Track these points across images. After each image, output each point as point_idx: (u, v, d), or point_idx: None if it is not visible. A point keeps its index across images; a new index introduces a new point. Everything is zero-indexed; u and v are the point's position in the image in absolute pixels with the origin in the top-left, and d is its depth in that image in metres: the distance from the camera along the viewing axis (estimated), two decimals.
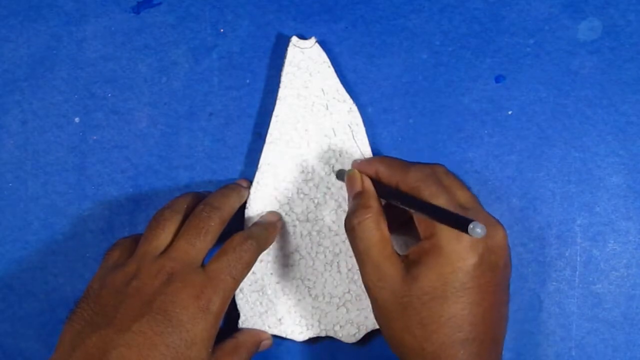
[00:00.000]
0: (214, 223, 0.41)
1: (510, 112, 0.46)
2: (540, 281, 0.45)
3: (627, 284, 0.45)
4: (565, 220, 0.45)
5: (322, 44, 0.45)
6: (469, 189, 0.41)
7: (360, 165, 0.43)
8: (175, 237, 0.41)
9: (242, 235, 0.41)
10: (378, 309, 0.39)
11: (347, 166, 0.45)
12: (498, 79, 0.46)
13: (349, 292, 0.45)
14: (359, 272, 0.44)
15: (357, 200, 0.40)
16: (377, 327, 0.44)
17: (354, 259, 0.44)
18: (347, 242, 0.44)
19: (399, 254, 0.39)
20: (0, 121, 0.47)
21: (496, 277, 0.38)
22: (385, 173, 0.41)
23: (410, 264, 0.38)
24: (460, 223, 0.33)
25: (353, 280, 0.45)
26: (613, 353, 0.45)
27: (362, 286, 0.45)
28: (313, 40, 0.45)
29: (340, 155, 0.45)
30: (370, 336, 0.45)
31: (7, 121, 0.47)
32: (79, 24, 0.47)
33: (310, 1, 0.47)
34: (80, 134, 0.47)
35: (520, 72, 0.46)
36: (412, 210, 0.38)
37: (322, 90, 0.45)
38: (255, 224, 0.44)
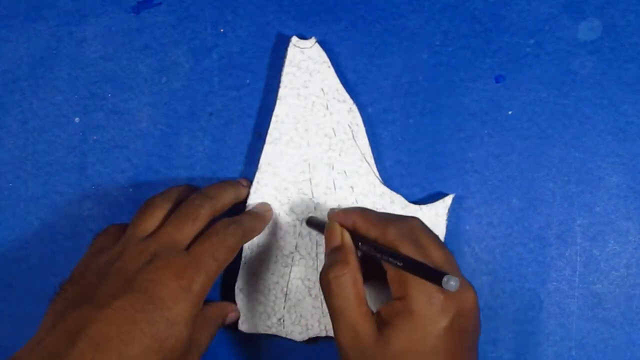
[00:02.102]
0: (204, 211, 0.41)
1: (510, 112, 0.46)
2: (540, 281, 0.45)
3: (627, 284, 0.45)
4: (565, 220, 0.45)
5: (322, 44, 0.45)
6: (445, 246, 0.40)
7: (338, 216, 0.42)
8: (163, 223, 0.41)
9: (226, 220, 0.41)
10: None
11: (348, 165, 0.45)
12: (498, 79, 0.46)
13: None
14: None
15: (334, 255, 0.40)
16: None
17: None
18: None
19: (372, 312, 0.39)
20: (0, 121, 0.47)
21: (466, 340, 0.38)
22: (363, 227, 0.41)
23: (382, 323, 0.38)
24: (435, 276, 0.33)
25: None
26: (613, 353, 0.45)
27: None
28: (313, 40, 0.45)
29: (340, 155, 0.45)
30: None
31: (7, 121, 0.47)
32: (79, 24, 0.47)
33: (310, 1, 0.47)
34: (80, 134, 0.47)
35: (520, 72, 0.46)
36: (387, 263, 0.38)
37: (322, 90, 0.45)
38: (244, 212, 0.44)
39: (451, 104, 0.46)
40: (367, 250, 0.39)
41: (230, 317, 0.45)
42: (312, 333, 0.45)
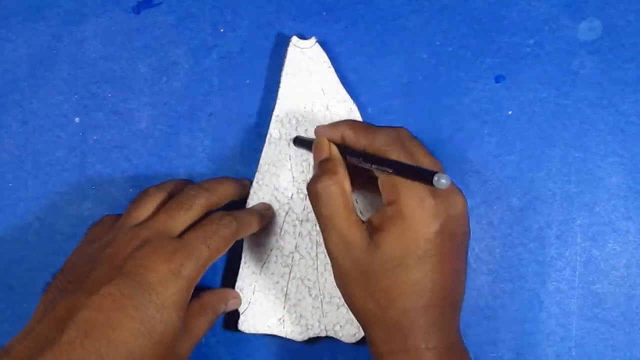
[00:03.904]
0: (198, 201, 0.41)
1: (510, 112, 0.46)
2: (540, 281, 0.45)
3: (627, 284, 0.45)
4: (565, 220, 0.45)
5: (322, 44, 0.45)
6: (432, 154, 0.40)
7: (325, 129, 0.42)
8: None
9: (222, 212, 0.42)
10: (341, 276, 0.40)
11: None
12: (498, 79, 0.46)
13: None
14: None
15: (323, 166, 0.40)
16: None
17: None
18: None
19: (362, 220, 0.39)
20: (0, 121, 0.47)
21: (456, 245, 0.38)
22: (351, 137, 0.40)
23: (373, 230, 0.38)
24: (425, 176, 0.33)
25: None
26: (613, 353, 0.45)
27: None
28: (313, 40, 0.45)
29: None
30: None
31: (7, 121, 0.47)
32: (79, 24, 0.47)
33: (310, 1, 0.47)
34: (80, 134, 0.47)
35: (520, 72, 0.46)
36: (378, 170, 0.38)
37: (322, 90, 0.45)
38: (242, 209, 0.45)
39: (451, 104, 0.46)
40: (357, 161, 0.39)
41: (232, 304, 0.45)
42: (312, 333, 0.45)
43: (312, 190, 0.40)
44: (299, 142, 0.44)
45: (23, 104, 0.47)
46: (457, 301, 0.39)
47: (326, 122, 0.45)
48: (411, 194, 0.37)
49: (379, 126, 0.41)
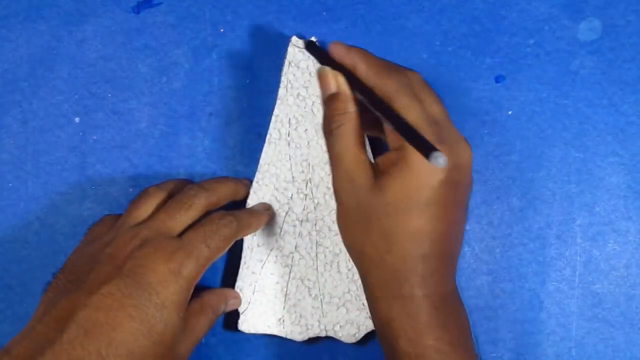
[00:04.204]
0: (198, 201, 0.41)
1: (510, 112, 0.46)
2: (540, 281, 0.45)
3: (627, 284, 0.45)
4: (565, 220, 0.45)
5: (322, 44, 0.45)
6: (441, 102, 0.40)
7: (339, 49, 0.40)
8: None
9: (223, 212, 0.42)
10: (343, 215, 0.40)
11: None
12: (498, 79, 0.46)
13: (349, 292, 0.45)
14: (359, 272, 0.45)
15: (333, 104, 0.40)
16: None
17: None
18: None
19: (370, 161, 0.39)
20: (0, 121, 0.47)
21: (459, 194, 0.38)
22: (363, 71, 0.39)
23: (379, 173, 0.38)
24: (425, 147, 0.33)
25: (353, 280, 0.45)
26: (613, 353, 0.45)
27: (363, 286, 0.45)
28: (313, 40, 0.45)
29: None
30: (370, 336, 0.45)
31: (7, 121, 0.47)
32: (79, 24, 0.47)
33: (310, 1, 0.47)
34: (80, 134, 0.47)
35: (520, 72, 0.46)
36: (382, 119, 0.38)
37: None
38: (242, 209, 0.45)
39: (451, 104, 0.46)
40: (362, 100, 0.39)
41: (232, 303, 0.45)
42: (312, 333, 0.45)
43: (326, 130, 0.40)
44: (312, 49, 0.43)
45: (23, 104, 0.47)
46: (455, 251, 0.40)
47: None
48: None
49: (392, 65, 0.40)
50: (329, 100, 0.41)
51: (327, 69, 0.41)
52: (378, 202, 0.37)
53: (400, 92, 0.38)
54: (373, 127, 0.42)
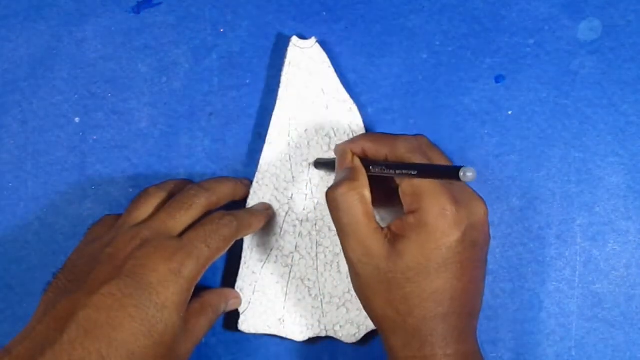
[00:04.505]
0: (198, 201, 0.41)
1: (510, 112, 0.46)
2: (540, 281, 0.45)
3: (627, 284, 0.45)
4: (565, 220, 0.45)
5: (322, 44, 0.45)
6: (451, 161, 0.41)
7: (345, 145, 0.42)
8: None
9: (223, 212, 0.42)
10: (361, 284, 0.40)
11: None
12: (498, 79, 0.46)
13: (349, 292, 0.45)
14: None
15: (344, 174, 0.40)
16: None
17: None
18: None
19: (382, 228, 0.39)
20: (0, 121, 0.47)
21: (477, 253, 0.38)
22: (372, 148, 0.41)
23: (393, 238, 0.38)
24: (452, 172, 0.33)
25: None
26: (613, 353, 0.45)
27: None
28: (313, 40, 0.45)
29: None
30: (370, 336, 0.45)
31: (7, 121, 0.47)
32: (79, 24, 0.47)
33: (310, 1, 0.47)
34: (80, 134, 0.47)
35: (520, 72, 0.46)
36: (401, 176, 0.38)
37: (322, 90, 0.45)
38: (243, 208, 0.45)
39: (451, 104, 0.46)
40: (379, 171, 0.39)
41: (232, 303, 0.45)
42: (312, 333, 0.45)
43: (332, 197, 0.39)
44: (320, 164, 0.45)
45: (23, 104, 0.47)
46: (475, 309, 0.40)
47: (326, 122, 0.45)
48: (433, 202, 0.37)
49: (397, 135, 0.41)
50: (341, 172, 0.41)
51: (348, 150, 0.41)
52: (396, 267, 0.37)
53: (413, 153, 0.39)
54: (380, 204, 0.42)
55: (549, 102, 0.46)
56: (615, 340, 0.45)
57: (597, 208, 0.45)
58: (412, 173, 0.37)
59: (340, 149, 0.42)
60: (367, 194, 0.39)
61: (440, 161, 0.40)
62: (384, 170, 0.39)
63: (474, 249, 0.38)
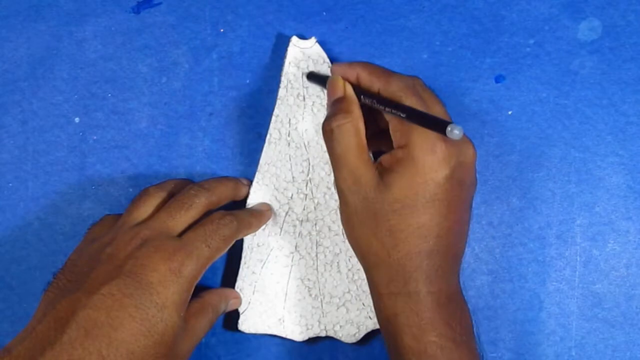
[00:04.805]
0: (198, 201, 0.41)
1: (510, 112, 0.46)
2: (540, 281, 0.45)
3: (627, 284, 0.45)
4: (565, 220, 0.45)
5: (322, 44, 0.45)
6: (443, 103, 0.41)
7: (341, 68, 0.42)
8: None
9: (223, 212, 0.42)
10: (348, 214, 0.40)
11: None
12: (498, 79, 0.46)
13: (349, 292, 0.45)
14: (359, 272, 0.45)
15: (337, 105, 0.41)
16: (377, 327, 0.44)
17: (354, 259, 0.45)
18: (347, 242, 0.44)
19: (373, 160, 0.40)
20: (0, 121, 0.47)
21: (463, 192, 0.39)
22: (366, 79, 0.41)
23: (383, 171, 0.39)
24: (439, 125, 0.34)
25: (353, 280, 0.45)
26: (613, 353, 0.45)
27: (362, 286, 0.45)
28: (313, 40, 0.45)
29: None
30: (370, 336, 0.45)
31: (7, 121, 0.47)
32: (79, 24, 0.47)
33: (310, 1, 0.47)
34: (80, 134, 0.47)
35: (520, 72, 0.46)
36: (390, 114, 0.38)
37: (322, 90, 0.45)
38: (242, 208, 0.45)
39: (451, 104, 0.46)
40: (370, 102, 0.40)
41: (232, 303, 0.45)
42: (312, 333, 0.45)
43: (327, 128, 0.40)
44: (313, 77, 0.44)
45: (23, 104, 0.47)
46: (459, 250, 0.40)
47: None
48: (423, 138, 0.37)
49: (393, 72, 0.41)
50: (334, 103, 0.41)
51: (338, 77, 0.41)
52: (384, 199, 0.38)
53: (405, 92, 0.39)
54: (371, 138, 0.42)
55: (549, 102, 0.46)
56: (615, 340, 0.45)
57: (597, 208, 0.45)
58: (402, 115, 0.37)
59: (334, 73, 0.42)
60: (362, 126, 0.40)
61: (433, 104, 0.40)
62: (374, 103, 0.39)
63: (461, 188, 0.38)
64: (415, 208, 0.37)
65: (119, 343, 0.36)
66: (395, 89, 0.39)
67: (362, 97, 0.40)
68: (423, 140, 0.37)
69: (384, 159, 0.39)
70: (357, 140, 0.39)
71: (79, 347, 0.35)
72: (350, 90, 0.41)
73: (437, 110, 0.40)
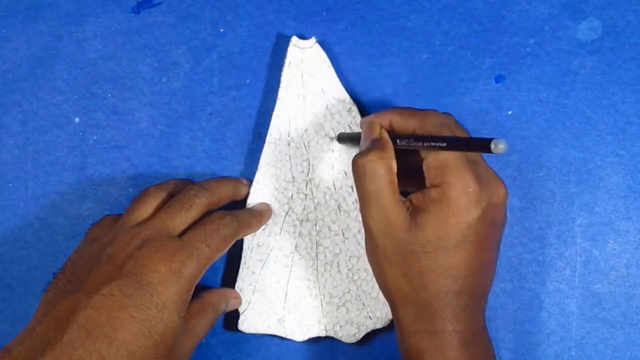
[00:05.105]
0: (198, 201, 0.41)
1: (510, 112, 0.46)
2: (540, 281, 0.45)
3: (627, 284, 0.45)
4: (565, 220, 0.45)
5: (322, 44, 0.45)
6: None
7: (372, 117, 0.41)
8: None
9: (223, 212, 0.42)
10: (377, 253, 0.40)
11: (348, 165, 0.45)
12: (498, 79, 0.46)
13: (349, 292, 0.45)
14: (359, 272, 0.45)
15: (372, 143, 0.40)
16: (377, 327, 0.44)
17: (354, 259, 0.45)
18: (347, 242, 0.45)
19: (404, 200, 0.39)
20: (0, 121, 0.47)
21: (494, 232, 0.39)
22: (400, 122, 0.40)
23: (414, 210, 0.38)
24: (483, 143, 0.33)
25: (353, 280, 0.45)
26: (613, 353, 0.45)
27: (362, 286, 0.45)
28: (313, 40, 0.45)
29: (340, 155, 0.45)
30: (370, 336, 0.45)
31: (7, 121, 0.47)
32: (79, 24, 0.47)
33: (310, 1, 0.47)
34: (80, 134, 0.47)
35: (520, 72, 0.46)
36: (430, 148, 0.38)
37: (322, 90, 0.45)
38: (242, 208, 0.45)
39: (451, 104, 0.46)
40: (407, 143, 0.39)
41: (232, 303, 0.45)
42: (312, 333, 0.45)
43: (359, 163, 0.39)
44: (344, 138, 0.44)
45: (23, 104, 0.47)
46: (486, 288, 0.40)
47: (326, 122, 0.45)
48: (457, 178, 0.37)
49: (426, 109, 0.41)
50: (368, 142, 0.40)
51: (376, 122, 0.41)
52: (416, 240, 0.38)
53: (441, 129, 0.38)
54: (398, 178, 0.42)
55: (549, 102, 0.46)
56: (615, 340, 0.45)
57: (597, 208, 0.45)
58: (441, 145, 0.37)
59: (367, 121, 0.42)
60: (394, 165, 0.39)
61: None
62: (411, 142, 0.39)
63: (492, 229, 0.38)
64: (447, 249, 0.37)
65: (119, 343, 0.36)
66: (431, 127, 0.39)
67: (397, 141, 0.40)
68: (457, 181, 0.37)
69: (415, 197, 0.38)
70: (390, 178, 0.39)
71: (79, 347, 0.35)
72: (385, 132, 0.40)
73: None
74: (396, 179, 0.39)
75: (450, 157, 0.37)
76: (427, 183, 0.38)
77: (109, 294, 0.36)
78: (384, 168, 0.39)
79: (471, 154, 0.39)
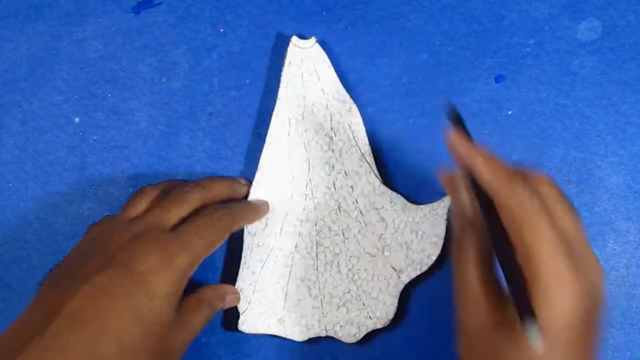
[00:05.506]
0: (192, 196, 0.42)
1: (510, 112, 0.46)
2: None
3: (627, 284, 0.45)
4: None
5: (322, 44, 0.45)
6: (576, 212, 0.35)
7: (459, 147, 0.35)
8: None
9: (216, 205, 0.42)
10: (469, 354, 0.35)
11: (348, 165, 0.45)
12: (498, 79, 0.46)
13: (349, 292, 0.45)
14: (359, 272, 0.45)
15: (462, 230, 0.36)
16: (377, 327, 0.44)
17: (354, 259, 0.45)
18: (347, 242, 0.45)
19: (500, 294, 0.34)
20: (0, 121, 0.47)
21: (596, 328, 0.34)
22: (483, 176, 0.34)
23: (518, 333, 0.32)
24: (522, 312, 0.29)
25: (353, 280, 0.45)
26: (613, 353, 0.45)
27: (362, 286, 0.45)
28: (313, 40, 0.45)
29: (340, 155, 0.45)
30: (370, 336, 0.45)
31: (7, 121, 0.47)
32: (79, 24, 0.47)
33: (310, 1, 0.47)
34: (80, 134, 0.47)
35: (520, 72, 0.46)
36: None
37: (322, 90, 0.45)
38: (237, 202, 0.45)
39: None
40: (483, 211, 0.33)
41: (230, 299, 0.44)
42: (312, 333, 0.45)
43: (452, 256, 0.36)
44: (456, 119, 0.37)
45: (23, 104, 0.47)
46: None
47: (326, 122, 0.45)
48: (550, 271, 0.32)
49: (518, 170, 0.35)
50: (458, 220, 0.36)
51: (467, 197, 0.36)
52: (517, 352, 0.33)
53: (526, 205, 0.33)
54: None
55: (549, 102, 0.46)
56: (615, 340, 0.45)
57: (597, 208, 0.45)
58: (500, 262, 0.32)
59: (460, 193, 0.36)
60: (484, 247, 0.34)
61: (561, 216, 0.34)
62: (484, 216, 0.33)
63: (594, 326, 0.34)
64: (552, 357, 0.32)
65: (107, 332, 0.35)
66: (512, 201, 0.32)
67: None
68: (551, 276, 0.32)
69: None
70: (478, 266, 0.35)
71: (65, 335, 0.35)
72: (478, 215, 0.34)
73: (566, 224, 0.33)
74: (491, 284, 0.35)
75: (534, 238, 0.32)
76: (523, 272, 0.33)
77: (100, 284, 0.36)
78: (470, 256, 0.34)
79: (565, 229, 0.33)
